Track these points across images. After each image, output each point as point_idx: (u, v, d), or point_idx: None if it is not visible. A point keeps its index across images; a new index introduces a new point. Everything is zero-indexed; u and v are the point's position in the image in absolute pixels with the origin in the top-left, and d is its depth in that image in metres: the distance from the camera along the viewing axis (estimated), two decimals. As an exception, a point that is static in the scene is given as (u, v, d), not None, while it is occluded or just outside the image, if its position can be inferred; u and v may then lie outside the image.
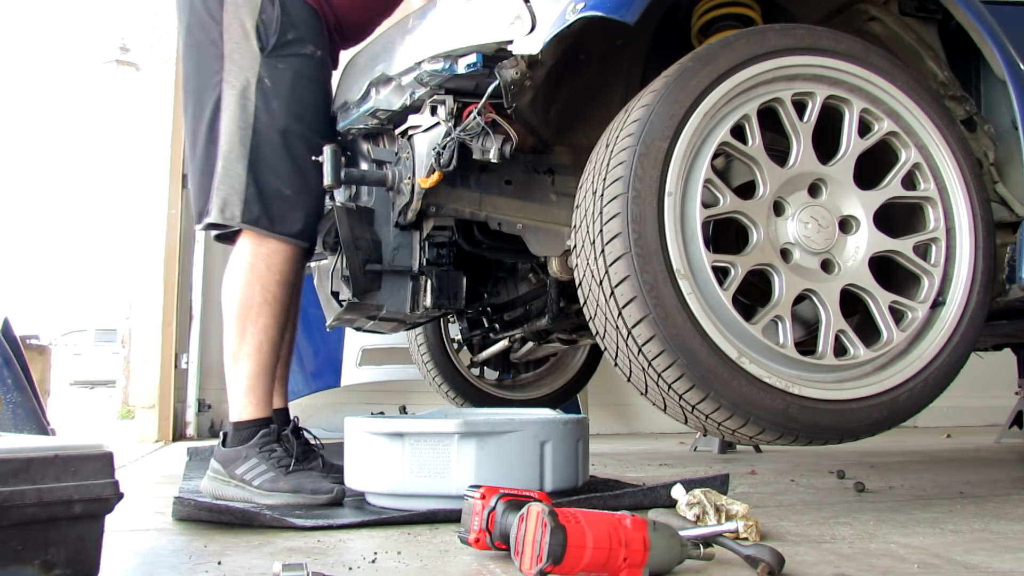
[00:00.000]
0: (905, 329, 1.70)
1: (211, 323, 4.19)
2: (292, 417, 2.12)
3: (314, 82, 2.01)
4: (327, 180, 1.88)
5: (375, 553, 1.34)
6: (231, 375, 1.98)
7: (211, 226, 1.97)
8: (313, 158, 1.93)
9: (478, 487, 1.33)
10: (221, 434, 2.00)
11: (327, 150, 1.89)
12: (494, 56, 1.77)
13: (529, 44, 1.72)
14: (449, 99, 1.86)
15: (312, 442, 2.07)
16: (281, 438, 1.97)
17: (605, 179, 1.60)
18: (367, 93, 2.03)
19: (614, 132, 1.66)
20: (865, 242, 1.71)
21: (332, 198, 2.08)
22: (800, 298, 1.67)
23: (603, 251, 1.58)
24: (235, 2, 1.92)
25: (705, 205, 1.62)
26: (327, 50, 2.06)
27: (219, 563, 1.29)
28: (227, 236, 2.04)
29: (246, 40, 1.91)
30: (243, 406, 1.96)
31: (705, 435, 2.63)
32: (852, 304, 1.72)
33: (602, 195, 1.60)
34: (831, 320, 1.66)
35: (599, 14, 1.61)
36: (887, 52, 1.85)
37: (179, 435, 4.17)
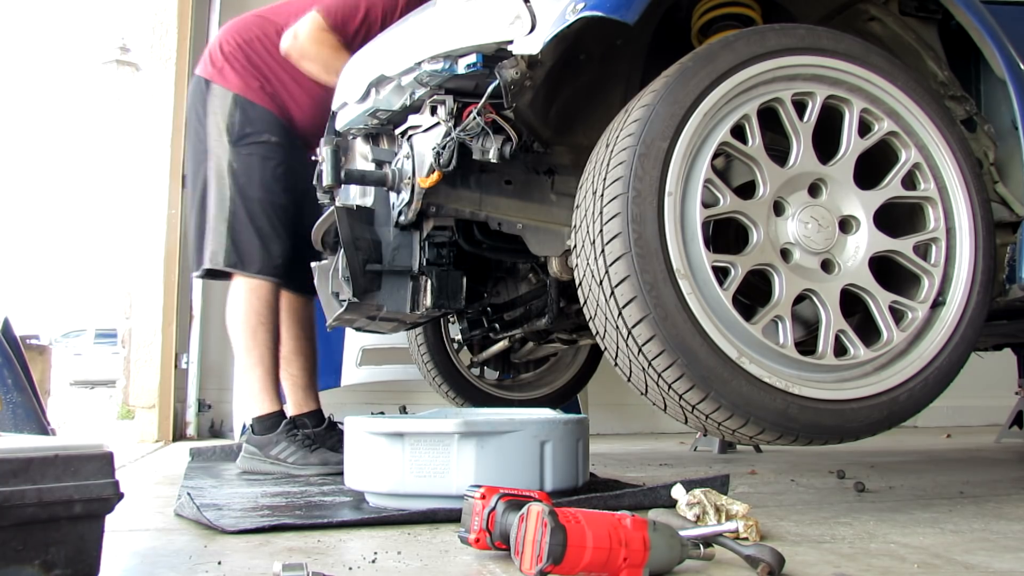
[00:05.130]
0: (905, 329, 1.70)
1: (211, 323, 4.19)
2: (327, 415, 2.67)
3: (269, 160, 2.60)
4: (327, 180, 1.87)
5: (375, 553, 1.34)
6: (246, 380, 2.61)
7: (207, 272, 2.63)
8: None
9: (478, 487, 1.33)
10: (249, 427, 2.62)
11: (327, 150, 1.88)
12: (494, 56, 1.77)
13: (529, 44, 1.72)
14: (449, 99, 1.86)
15: None
16: (298, 425, 2.58)
17: (605, 179, 1.60)
18: (367, 93, 2.03)
19: (614, 132, 1.66)
20: (865, 242, 1.71)
21: (332, 199, 2.08)
22: (800, 298, 1.67)
23: (603, 251, 1.58)
24: (213, 111, 2.60)
25: (705, 205, 1.62)
26: (285, 134, 2.65)
27: (219, 563, 1.29)
28: (222, 277, 2.67)
29: (220, 136, 2.59)
30: (261, 402, 2.59)
31: (705, 435, 2.63)
32: (852, 304, 1.72)
33: (602, 195, 1.60)
34: (831, 320, 1.66)
35: (599, 14, 1.61)
36: (887, 52, 1.85)
37: (179, 435, 4.17)
